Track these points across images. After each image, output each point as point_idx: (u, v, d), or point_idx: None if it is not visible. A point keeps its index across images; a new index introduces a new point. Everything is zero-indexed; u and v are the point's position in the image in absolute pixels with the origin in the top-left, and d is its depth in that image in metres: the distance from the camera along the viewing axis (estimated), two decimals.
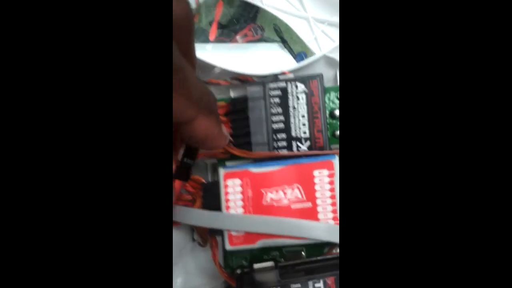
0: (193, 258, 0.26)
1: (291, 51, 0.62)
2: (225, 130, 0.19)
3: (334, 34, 0.31)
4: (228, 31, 0.65)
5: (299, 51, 0.67)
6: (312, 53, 0.30)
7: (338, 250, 0.22)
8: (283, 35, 0.67)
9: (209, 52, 0.45)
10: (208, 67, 0.25)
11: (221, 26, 0.64)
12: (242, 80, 0.24)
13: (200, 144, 0.19)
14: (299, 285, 0.19)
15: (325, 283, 0.19)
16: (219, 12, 0.62)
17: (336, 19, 0.30)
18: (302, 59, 0.56)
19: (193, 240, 0.26)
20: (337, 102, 0.23)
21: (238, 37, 0.63)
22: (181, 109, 0.17)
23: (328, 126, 0.23)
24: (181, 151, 0.23)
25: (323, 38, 0.31)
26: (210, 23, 0.62)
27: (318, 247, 0.22)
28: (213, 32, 0.60)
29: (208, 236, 0.25)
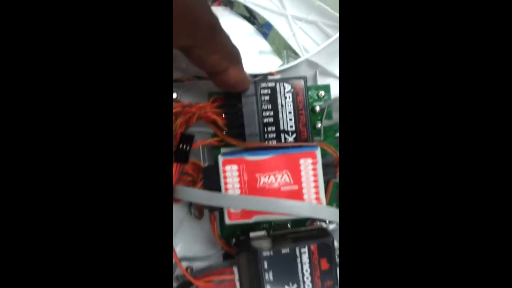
0: (190, 229, 0.31)
1: (257, 23, 0.66)
2: (248, 75, 0.25)
3: (311, 31, 0.35)
4: None
5: (264, 22, 0.71)
6: (293, 49, 0.33)
7: (318, 223, 0.27)
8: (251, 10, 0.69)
9: None
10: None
11: None
12: None
13: (231, 88, 0.25)
14: (287, 250, 0.24)
15: (309, 249, 0.24)
16: None
17: (312, 17, 0.34)
18: (269, 29, 0.62)
19: (190, 213, 0.30)
20: (317, 99, 0.28)
21: None
22: (217, 61, 0.21)
23: (309, 120, 0.27)
24: (179, 139, 0.27)
25: (301, 35, 0.35)
26: None
27: (301, 220, 0.27)
28: None
29: (203, 211, 0.30)
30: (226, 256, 0.29)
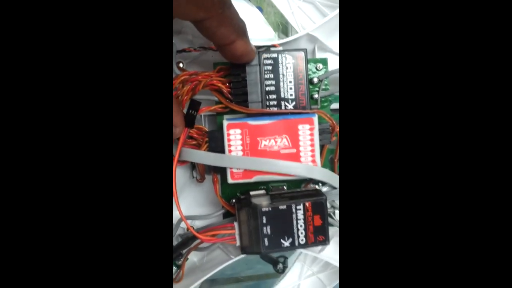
0: (191, 192, 0.33)
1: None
2: (253, 47, 0.26)
3: (309, 9, 0.36)
4: None
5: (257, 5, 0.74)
6: (291, 26, 0.35)
7: (312, 185, 0.30)
8: None
9: None
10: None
11: None
12: None
13: (238, 59, 0.26)
14: (285, 206, 0.26)
15: (304, 206, 0.26)
16: None
17: None
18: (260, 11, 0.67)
19: (193, 177, 0.32)
20: (316, 71, 0.30)
21: None
22: (227, 34, 0.23)
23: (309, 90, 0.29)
24: (187, 105, 0.29)
25: (299, 13, 0.37)
26: None
27: (297, 183, 0.29)
28: None
29: (204, 175, 0.32)
30: (226, 215, 0.31)
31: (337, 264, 0.31)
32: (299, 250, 0.35)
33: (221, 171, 0.29)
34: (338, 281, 0.35)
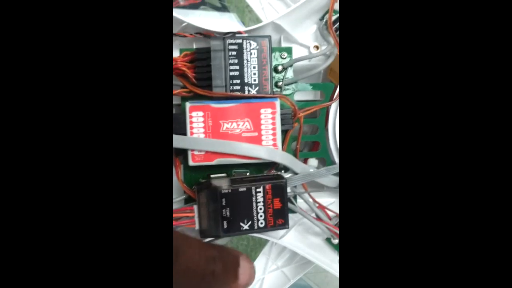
0: None
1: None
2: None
3: (278, 6, 0.37)
4: None
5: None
6: (260, 20, 0.36)
7: (274, 172, 0.30)
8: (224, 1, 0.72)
9: None
10: (177, 21, 0.30)
11: None
12: (205, 34, 0.30)
13: None
14: (244, 189, 0.26)
15: (264, 189, 0.26)
16: None
17: None
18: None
19: None
20: (280, 60, 0.30)
21: None
22: None
23: (273, 77, 0.30)
24: None
25: (269, 9, 0.37)
26: None
27: (260, 168, 0.29)
28: None
29: None
30: (188, 201, 0.31)
31: (298, 251, 0.31)
32: (267, 245, 0.35)
33: (183, 155, 0.29)
34: (301, 275, 0.35)
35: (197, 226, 0.27)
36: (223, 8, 0.73)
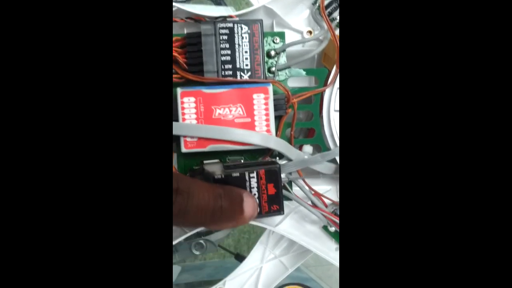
0: None
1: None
2: None
3: None
4: None
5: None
6: (251, 5, 0.35)
7: (269, 159, 0.29)
8: None
9: None
10: None
11: None
12: (196, 19, 0.30)
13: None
14: (238, 174, 0.26)
15: (257, 174, 0.26)
16: None
17: None
18: None
19: None
20: (273, 45, 0.30)
21: None
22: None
23: (265, 62, 0.29)
24: None
25: None
26: None
27: (254, 155, 0.29)
28: None
29: None
30: None
31: (295, 239, 0.30)
32: (264, 234, 0.34)
33: (176, 141, 0.29)
34: (299, 264, 0.35)
35: None
36: (219, 1, 0.73)
